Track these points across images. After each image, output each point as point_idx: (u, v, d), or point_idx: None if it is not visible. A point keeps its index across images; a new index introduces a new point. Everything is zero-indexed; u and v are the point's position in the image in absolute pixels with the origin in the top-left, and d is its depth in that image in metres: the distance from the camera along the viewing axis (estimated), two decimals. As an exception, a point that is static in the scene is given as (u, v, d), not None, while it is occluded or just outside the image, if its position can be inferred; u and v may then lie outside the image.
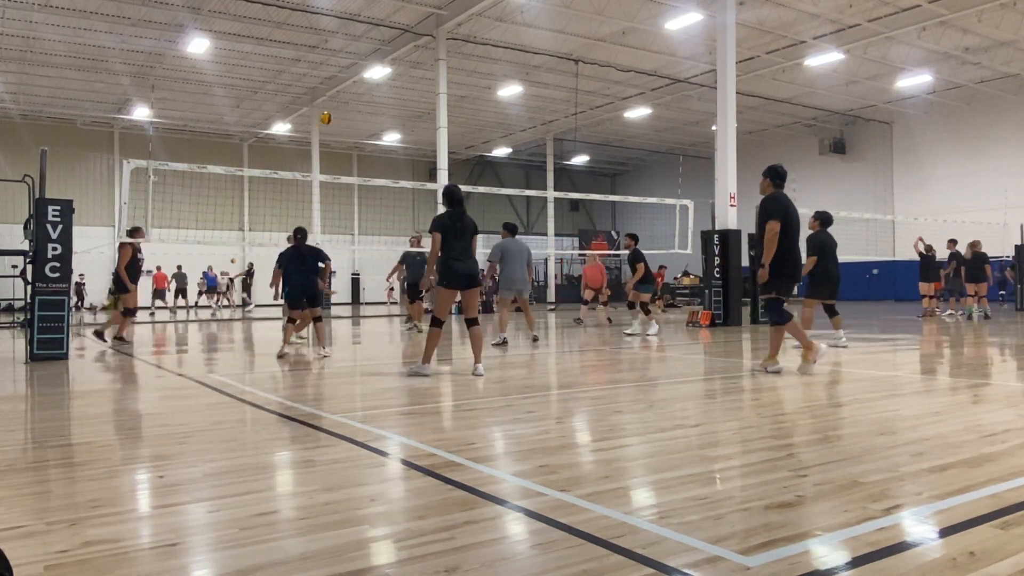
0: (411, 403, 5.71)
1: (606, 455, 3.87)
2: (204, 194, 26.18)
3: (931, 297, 17.56)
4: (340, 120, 31.41)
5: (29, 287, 9.01)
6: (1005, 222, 23.12)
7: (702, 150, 35.24)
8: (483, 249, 9.91)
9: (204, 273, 29.13)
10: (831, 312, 10.14)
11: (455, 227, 7.14)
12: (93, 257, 28.62)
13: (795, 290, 7.53)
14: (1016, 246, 21.12)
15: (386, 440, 4.23)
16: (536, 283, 31.70)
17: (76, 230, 9.61)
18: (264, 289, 35.90)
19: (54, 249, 9.05)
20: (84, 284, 28.94)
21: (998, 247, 22.39)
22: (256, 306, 28.49)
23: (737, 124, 16.39)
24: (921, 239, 17.73)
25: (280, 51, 22.83)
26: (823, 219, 9.91)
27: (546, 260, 33.93)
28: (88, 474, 3.54)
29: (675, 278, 33.16)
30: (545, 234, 34.09)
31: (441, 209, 7.76)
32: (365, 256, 36.83)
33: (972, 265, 16.89)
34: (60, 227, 9.09)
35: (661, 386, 6.59)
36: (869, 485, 3.14)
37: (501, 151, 37.80)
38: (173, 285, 27.58)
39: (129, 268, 11.35)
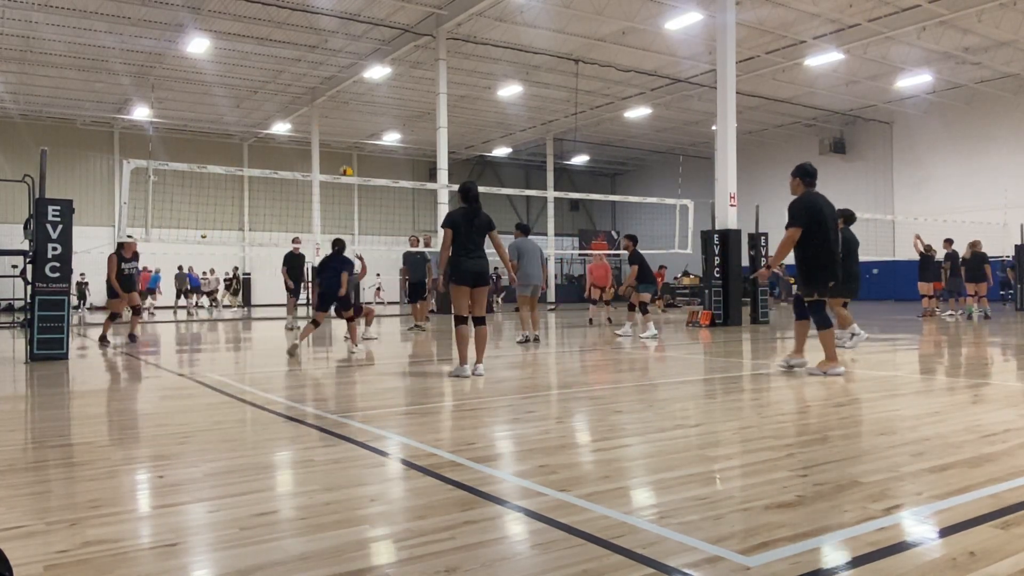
0: (411, 403, 5.71)
1: (606, 455, 3.87)
2: (204, 194, 26.19)
3: (931, 297, 17.56)
4: (340, 120, 31.45)
5: (29, 287, 9.01)
6: (1005, 222, 23.11)
7: (702, 150, 35.25)
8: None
9: (187, 274, 28.93)
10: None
11: (468, 224, 7.09)
12: (93, 257, 28.60)
13: (831, 288, 7.10)
14: (1016, 246, 21.12)
15: (386, 440, 4.23)
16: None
17: (76, 230, 9.60)
18: (263, 289, 35.85)
19: (54, 249, 9.04)
20: (87, 284, 28.93)
21: (998, 247, 22.39)
22: (225, 307, 28.43)
23: (737, 124, 16.39)
24: (919, 237, 17.67)
25: (280, 51, 22.84)
26: (847, 216, 9.79)
27: (546, 260, 33.87)
28: (88, 474, 3.54)
29: (675, 278, 33.17)
30: (545, 234, 34.10)
31: (445, 210, 7.76)
32: (365, 256, 36.73)
33: (972, 265, 16.88)
34: (60, 227, 9.08)
35: (661, 386, 6.58)
36: (869, 485, 3.14)
37: (501, 151, 37.80)
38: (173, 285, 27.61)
39: (120, 277, 11.57)
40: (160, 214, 21.55)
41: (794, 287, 33.49)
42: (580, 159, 39.00)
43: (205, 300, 30.11)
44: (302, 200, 30.76)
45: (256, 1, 18.75)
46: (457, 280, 7.11)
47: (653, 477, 3.41)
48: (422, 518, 2.78)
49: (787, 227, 6.82)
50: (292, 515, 2.88)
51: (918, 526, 2.66)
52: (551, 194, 29.75)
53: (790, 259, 8.07)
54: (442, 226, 7.21)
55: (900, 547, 2.44)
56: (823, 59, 22.85)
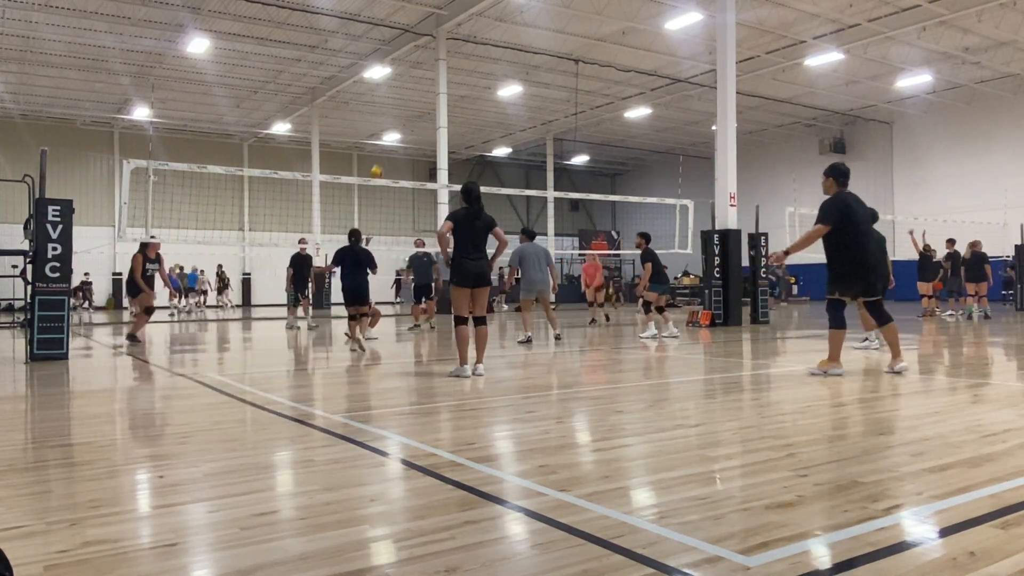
0: (411, 403, 5.71)
1: (606, 455, 3.86)
2: (204, 194, 26.18)
3: (930, 297, 17.55)
4: (340, 120, 31.45)
5: (29, 287, 9.01)
6: (1005, 222, 23.12)
7: (702, 150, 35.24)
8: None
9: (188, 273, 28.83)
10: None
11: (469, 225, 7.09)
12: (93, 257, 28.62)
13: (861, 291, 7.00)
14: (1016, 246, 21.11)
15: (386, 440, 4.23)
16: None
17: (76, 230, 9.60)
18: (263, 289, 35.73)
19: (54, 249, 9.04)
20: (91, 284, 28.90)
21: (998, 247, 22.39)
22: (208, 307, 28.42)
23: (737, 124, 16.39)
24: (912, 233, 17.50)
25: (280, 51, 22.84)
26: (871, 216, 9.73)
27: (552, 263, 33.81)
28: (88, 474, 3.54)
29: (675, 278, 33.14)
30: (545, 234, 34.09)
31: (445, 210, 7.77)
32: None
33: (972, 265, 16.88)
34: (60, 227, 9.09)
35: (661, 386, 6.59)
36: (869, 485, 3.14)
37: (501, 151, 37.79)
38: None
39: (143, 278, 11.79)
40: (160, 214, 21.61)
41: (794, 287, 33.11)
42: (580, 159, 38.99)
43: (195, 300, 30.11)
44: (302, 200, 30.75)
45: (256, 1, 18.75)
46: (458, 281, 7.10)
47: (653, 477, 3.41)
48: (422, 518, 2.78)
49: (815, 223, 6.80)
50: (292, 515, 2.88)
51: (918, 526, 2.66)
52: (551, 194, 29.75)
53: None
54: (445, 220, 7.22)
55: (900, 547, 2.44)
56: (823, 59, 22.84)
